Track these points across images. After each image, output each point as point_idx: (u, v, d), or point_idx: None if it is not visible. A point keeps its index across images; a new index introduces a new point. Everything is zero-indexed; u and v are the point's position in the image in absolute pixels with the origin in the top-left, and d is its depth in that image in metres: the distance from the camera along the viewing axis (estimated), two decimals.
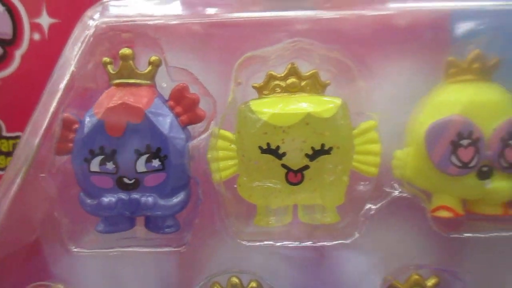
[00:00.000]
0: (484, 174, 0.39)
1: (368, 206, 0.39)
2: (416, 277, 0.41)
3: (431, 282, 0.41)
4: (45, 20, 0.46)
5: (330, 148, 0.38)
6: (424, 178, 0.39)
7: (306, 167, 0.38)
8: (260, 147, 0.38)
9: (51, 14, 0.46)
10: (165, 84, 0.40)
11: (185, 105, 0.39)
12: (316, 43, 0.38)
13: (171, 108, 0.39)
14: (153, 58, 0.39)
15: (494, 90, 0.39)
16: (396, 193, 0.39)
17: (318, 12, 0.38)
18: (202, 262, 0.39)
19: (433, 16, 0.39)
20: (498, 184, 0.38)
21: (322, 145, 0.38)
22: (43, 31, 0.46)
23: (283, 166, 0.38)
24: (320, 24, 0.38)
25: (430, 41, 0.39)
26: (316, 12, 0.38)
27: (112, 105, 0.37)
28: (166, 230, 0.40)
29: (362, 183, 0.40)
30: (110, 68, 0.39)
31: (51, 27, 0.46)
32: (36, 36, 0.46)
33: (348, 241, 0.38)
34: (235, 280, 0.42)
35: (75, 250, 0.40)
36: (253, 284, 0.42)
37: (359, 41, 0.38)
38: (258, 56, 0.39)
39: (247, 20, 0.38)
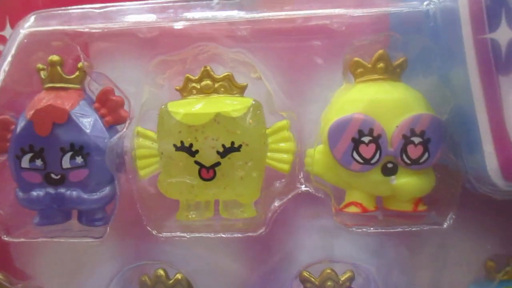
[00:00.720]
0: (389, 170, 0.40)
1: (276, 201, 0.40)
2: (329, 271, 0.42)
3: (344, 276, 0.42)
4: None
5: (240, 146, 0.40)
6: (333, 174, 0.41)
7: (218, 164, 0.41)
8: (174, 145, 0.41)
9: None
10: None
11: (109, 107, 0.43)
12: (220, 47, 0.40)
13: (97, 110, 0.43)
14: (81, 64, 0.43)
15: (397, 88, 0.40)
16: (302, 189, 0.40)
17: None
18: (122, 254, 0.42)
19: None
20: (403, 180, 0.39)
21: (232, 143, 0.40)
22: None
23: (196, 162, 0.41)
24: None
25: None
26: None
27: (40, 107, 0.41)
28: (96, 223, 0.43)
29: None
30: (42, 73, 0.43)
31: None
32: None
33: (256, 234, 0.40)
34: (160, 272, 0.45)
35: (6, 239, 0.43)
36: (179, 276, 0.45)
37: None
38: (176, 60, 0.42)
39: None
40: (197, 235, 0.40)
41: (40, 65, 0.43)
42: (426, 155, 0.39)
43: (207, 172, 0.41)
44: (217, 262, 0.43)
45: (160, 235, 0.41)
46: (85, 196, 0.42)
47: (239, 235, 0.40)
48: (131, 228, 0.42)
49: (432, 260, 0.41)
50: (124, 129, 0.41)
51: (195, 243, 0.43)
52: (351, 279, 0.42)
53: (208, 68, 0.41)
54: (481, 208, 0.39)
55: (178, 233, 0.41)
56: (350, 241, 0.41)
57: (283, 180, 0.42)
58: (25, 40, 0.42)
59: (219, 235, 0.40)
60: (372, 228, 0.39)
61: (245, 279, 0.43)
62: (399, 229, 0.39)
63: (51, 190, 0.42)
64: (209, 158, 0.41)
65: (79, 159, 0.41)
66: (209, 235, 0.40)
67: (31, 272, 0.46)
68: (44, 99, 0.42)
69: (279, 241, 0.41)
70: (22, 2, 0.48)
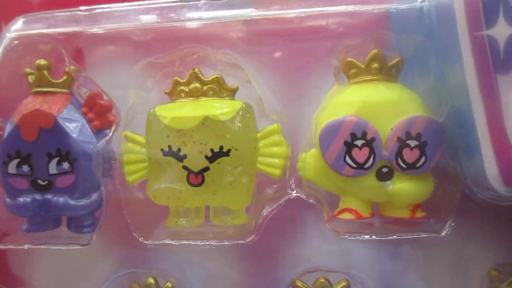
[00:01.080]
0: (384, 175, 0.38)
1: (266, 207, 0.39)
2: (322, 280, 0.40)
3: (339, 286, 0.40)
4: None
5: (229, 150, 0.39)
6: (326, 179, 0.39)
7: (206, 169, 0.39)
8: (162, 150, 0.40)
9: None
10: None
11: (97, 111, 0.42)
12: (208, 48, 0.39)
13: (84, 114, 0.42)
14: (68, 68, 0.42)
15: (392, 89, 0.38)
16: (293, 195, 0.39)
17: None
18: (109, 261, 0.41)
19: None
20: (399, 186, 0.38)
21: (221, 147, 0.39)
22: None
23: (185, 168, 0.40)
24: None
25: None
26: None
27: (26, 112, 0.40)
28: (84, 229, 0.43)
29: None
30: (30, 78, 0.42)
31: None
32: None
33: (245, 242, 0.38)
34: (150, 280, 0.43)
35: None
36: (169, 284, 0.44)
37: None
38: (163, 62, 0.41)
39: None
40: (185, 242, 0.39)
41: (28, 70, 0.42)
42: (423, 159, 0.37)
43: (196, 178, 0.39)
44: (208, 269, 0.42)
45: (147, 242, 0.40)
46: (72, 202, 0.41)
47: (228, 243, 0.38)
48: (120, 235, 0.41)
49: (431, 269, 0.39)
50: (110, 133, 0.40)
51: (186, 250, 0.42)
52: None
53: (197, 70, 0.40)
54: (481, 215, 0.37)
55: (165, 241, 0.39)
56: (344, 248, 0.39)
57: (274, 186, 0.41)
58: (12, 44, 0.41)
59: (208, 243, 0.39)
60: (366, 236, 0.37)
61: (236, 286, 0.41)
62: (394, 237, 0.37)
63: (38, 196, 0.41)
64: (197, 163, 0.39)
65: (65, 165, 0.40)
66: (198, 243, 0.39)
67: (23, 278, 0.46)
68: (31, 103, 0.41)
69: (271, 248, 0.40)
70: (17, 5, 0.48)
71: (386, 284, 0.40)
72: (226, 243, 0.38)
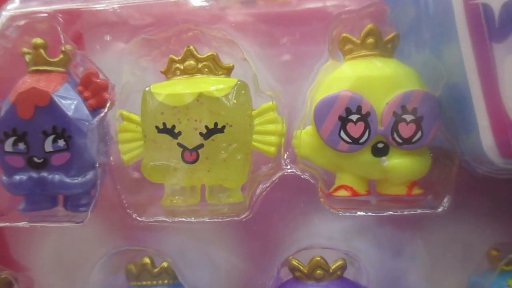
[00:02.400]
0: (380, 151, 0.37)
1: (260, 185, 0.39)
2: (318, 259, 0.40)
3: (335, 265, 0.40)
4: None
5: (223, 127, 0.39)
6: (321, 156, 0.39)
7: (201, 146, 0.39)
8: (157, 127, 0.40)
9: None
10: None
11: (93, 90, 0.42)
12: (201, 24, 0.39)
13: (80, 93, 0.42)
14: (64, 47, 0.42)
15: (388, 64, 0.38)
16: (288, 171, 0.38)
17: None
18: (103, 238, 0.41)
19: None
20: (395, 161, 0.37)
21: (215, 124, 0.39)
22: None
23: (179, 145, 0.39)
24: None
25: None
26: None
27: (23, 90, 0.41)
28: (80, 208, 0.42)
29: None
30: (27, 57, 0.42)
31: None
32: None
33: (240, 218, 0.38)
34: (146, 260, 0.43)
35: None
36: (164, 264, 0.43)
37: None
38: (158, 40, 0.41)
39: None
40: (179, 220, 0.39)
41: (25, 49, 0.42)
42: (419, 133, 0.37)
43: (190, 155, 0.39)
44: (203, 247, 0.42)
45: (141, 219, 0.40)
46: (68, 180, 0.41)
47: (221, 219, 0.38)
48: (116, 214, 0.41)
49: (427, 246, 0.38)
50: (105, 110, 0.40)
51: (180, 228, 0.42)
52: (342, 267, 0.39)
53: (191, 47, 0.40)
54: (480, 191, 0.37)
55: (159, 218, 0.39)
56: (339, 225, 0.39)
57: (269, 164, 0.40)
58: (9, 23, 0.41)
59: (201, 220, 0.38)
60: (361, 212, 0.37)
61: (232, 265, 0.41)
62: (390, 213, 0.37)
63: (34, 174, 0.41)
64: (192, 140, 0.39)
65: (61, 142, 0.40)
66: (191, 220, 0.38)
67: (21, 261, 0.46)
68: (27, 82, 0.41)
69: (265, 225, 0.39)
70: None
71: (383, 263, 0.39)
72: (220, 220, 0.38)
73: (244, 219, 0.38)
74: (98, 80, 0.42)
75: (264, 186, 0.38)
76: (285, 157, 0.39)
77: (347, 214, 0.37)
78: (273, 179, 0.38)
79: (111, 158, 0.41)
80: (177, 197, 0.41)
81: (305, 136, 0.39)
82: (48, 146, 0.41)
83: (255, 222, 0.38)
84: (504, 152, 0.32)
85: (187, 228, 0.42)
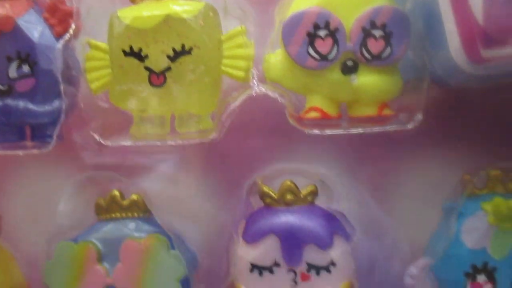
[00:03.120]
0: (349, 69, 0.37)
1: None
2: (289, 183, 0.39)
3: (306, 191, 0.39)
4: None
5: (191, 49, 0.38)
6: (291, 78, 0.38)
7: (168, 69, 0.38)
8: (123, 51, 0.39)
9: None
10: None
11: (59, 17, 0.41)
12: None
13: (46, 20, 0.41)
14: None
15: None
16: (255, 90, 0.37)
17: None
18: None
19: None
20: (364, 79, 0.37)
21: (183, 46, 0.38)
22: None
23: (146, 68, 0.39)
24: None
25: None
26: None
27: None
28: (47, 139, 0.42)
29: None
30: None
31: None
32: None
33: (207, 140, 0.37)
34: (115, 192, 0.42)
35: None
36: (134, 197, 0.42)
37: None
38: None
39: None
40: (142, 143, 0.38)
41: None
42: (388, 49, 0.36)
43: (157, 78, 0.39)
44: (170, 171, 0.41)
45: (105, 143, 0.39)
46: (34, 107, 0.40)
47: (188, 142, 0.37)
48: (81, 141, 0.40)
49: (397, 165, 0.38)
50: (69, 34, 0.39)
51: (147, 153, 0.41)
52: (313, 194, 0.39)
53: None
54: (453, 106, 0.36)
55: (124, 142, 0.38)
56: (310, 147, 0.38)
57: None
58: None
59: (170, 142, 0.38)
60: (328, 131, 0.36)
61: (201, 191, 0.40)
62: (361, 131, 0.36)
63: None
64: (159, 63, 0.38)
65: (25, 68, 0.39)
66: (157, 143, 0.38)
67: None
68: None
69: (233, 148, 0.39)
70: None
71: (355, 186, 0.38)
72: (186, 143, 0.37)
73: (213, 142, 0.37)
74: (64, 7, 0.41)
75: (232, 107, 0.38)
76: (253, 76, 0.38)
77: (316, 132, 0.36)
78: (242, 98, 0.37)
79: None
80: (146, 126, 0.41)
81: (274, 58, 0.38)
82: (12, 71, 0.40)
83: (223, 143, 0.37)
84: (471, 55, 0.32)
85: (153, 150, 0.41)
